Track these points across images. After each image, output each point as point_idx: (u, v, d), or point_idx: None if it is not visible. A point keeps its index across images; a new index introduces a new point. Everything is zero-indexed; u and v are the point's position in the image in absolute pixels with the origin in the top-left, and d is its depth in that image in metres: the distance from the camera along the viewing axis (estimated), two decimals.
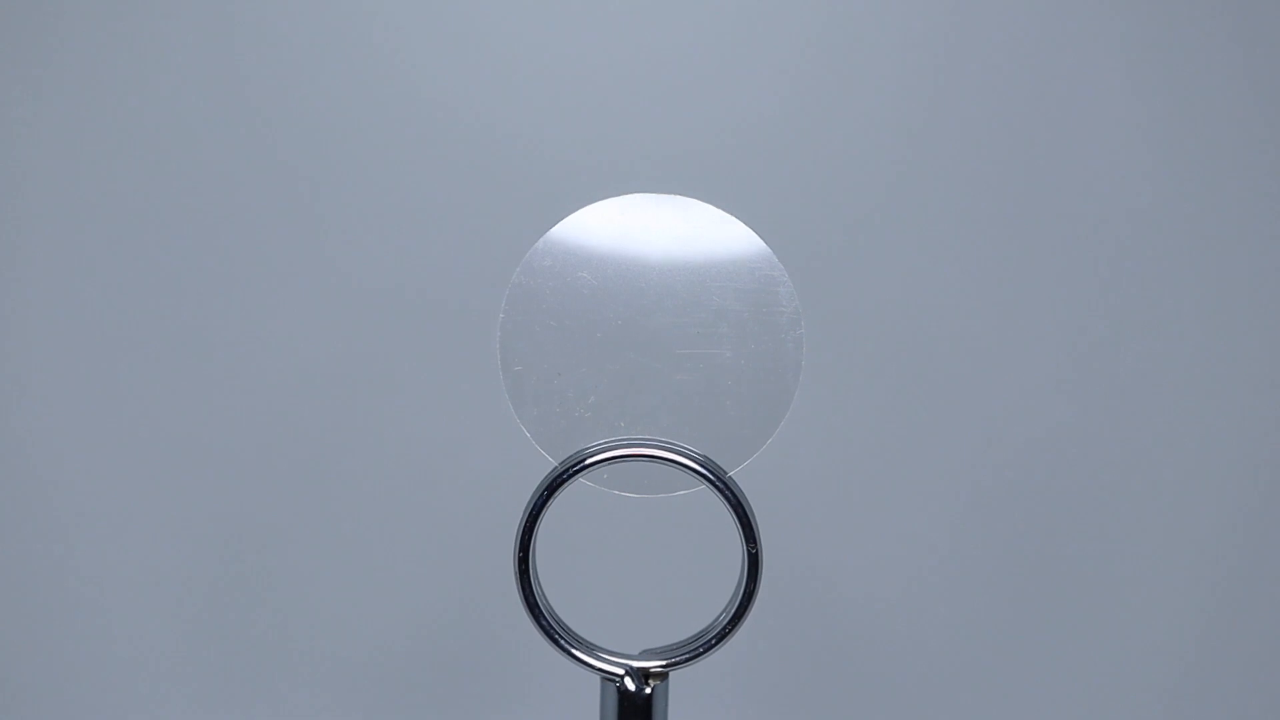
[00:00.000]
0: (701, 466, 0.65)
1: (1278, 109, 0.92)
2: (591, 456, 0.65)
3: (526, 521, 0.65)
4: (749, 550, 0.65)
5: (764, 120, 0.92)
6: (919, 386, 0.93)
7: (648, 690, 0.66)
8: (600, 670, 0.66)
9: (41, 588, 0.93)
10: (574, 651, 0.66)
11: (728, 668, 0.91)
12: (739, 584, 0.65)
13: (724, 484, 0.64)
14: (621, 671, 0.66)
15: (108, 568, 0.93)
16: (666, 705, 0.67)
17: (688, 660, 0.66)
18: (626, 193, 0.65)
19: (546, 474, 0.65)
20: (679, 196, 0.65)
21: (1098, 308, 0.93)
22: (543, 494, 0.65)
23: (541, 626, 0.66)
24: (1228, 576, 0.94)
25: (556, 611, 0.67)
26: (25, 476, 0.93)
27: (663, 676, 0.66)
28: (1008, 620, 0.95)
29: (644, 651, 0.67)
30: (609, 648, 0.67)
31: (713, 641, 0.66)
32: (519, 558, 0.65)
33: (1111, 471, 0.94)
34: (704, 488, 0.65)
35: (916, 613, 0.95)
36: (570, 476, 0.65)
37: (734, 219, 0.65)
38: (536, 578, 0.66)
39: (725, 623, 0.66)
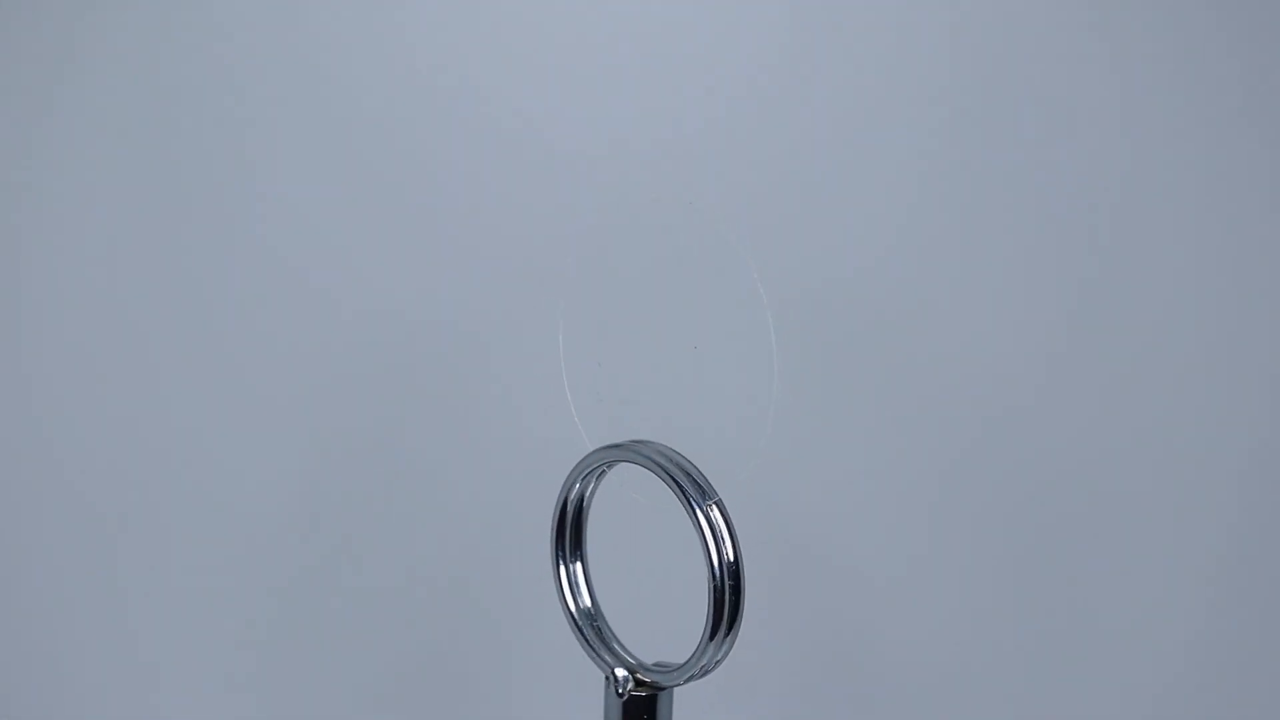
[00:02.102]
0: (680, 487, 0.62)
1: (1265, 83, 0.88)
2: (587, 457, 0.65)
3: (560, 501, 0.67)
4: (712, 584, 0.62)
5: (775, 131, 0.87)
6: (913, 388, 0.90)
7: (620, 694, 0.66)
8: (595, 658, 0.67)
9: (61, 587, 0.94)
10: (579, 628, 0.67)
11: (731, 670, 0.85)
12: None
13: (693, 506, 0.62)
14: (612, 668, 0.66)
15: (133, 560, 0.94)
16: (671, 713, 0.67)
17: (666, 683, 0.65)
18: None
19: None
20: (692, 202, 0.63)
21: (1092, 306, 0.90)
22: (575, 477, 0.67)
23: (562, 601, 0.68)
24: (1232, 566, 0.92)
25: (588, 599, 0.68)
26: (45, 473, 0.93)
27: (647, 688, 0.66)
28: (1010, 624, 0.92)
29: (656, 663, 0.67)
30: (627, 648, 0.67)
31: (683, 681, 0.65)
32: (555, 527, 0.67)
33: (1114, 473, 0.91)
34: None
35: (918, 615, 0.92)
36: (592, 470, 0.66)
37: (721, 228, 0.62)
38: (565, 554, 0.67)
39: (699, 665, 0.64)
